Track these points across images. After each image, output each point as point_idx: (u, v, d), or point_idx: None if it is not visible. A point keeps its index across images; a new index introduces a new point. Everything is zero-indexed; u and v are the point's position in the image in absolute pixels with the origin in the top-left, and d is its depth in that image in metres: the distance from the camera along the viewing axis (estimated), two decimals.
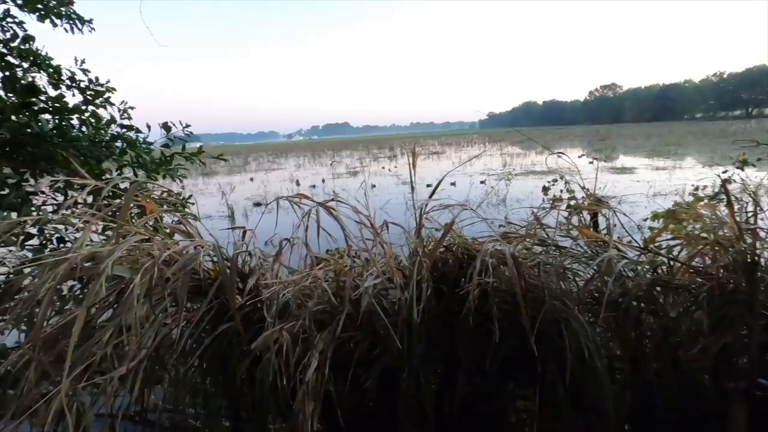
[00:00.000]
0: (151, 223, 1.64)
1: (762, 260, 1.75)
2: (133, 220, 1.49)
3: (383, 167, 22.68)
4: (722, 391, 1.80)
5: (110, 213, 1.47)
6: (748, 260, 1.71)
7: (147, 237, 1.39)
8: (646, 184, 11.27)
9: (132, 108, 3.04)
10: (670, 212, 2.42)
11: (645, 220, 2.91)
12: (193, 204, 2.92)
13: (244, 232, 1.67)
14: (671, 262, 1.84)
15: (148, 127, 2.49)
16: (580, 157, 21.73)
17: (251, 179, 20.87)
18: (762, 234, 1.84)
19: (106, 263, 1.06)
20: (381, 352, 1.70)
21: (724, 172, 2.07)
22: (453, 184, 13.54)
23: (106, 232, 2.15)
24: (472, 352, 1.85)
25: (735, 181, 3.02)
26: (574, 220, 2.06)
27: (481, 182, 13.74)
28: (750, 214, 2.07)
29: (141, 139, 2.58)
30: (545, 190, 4.45)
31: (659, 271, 1.84)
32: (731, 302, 1.70)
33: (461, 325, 1.73)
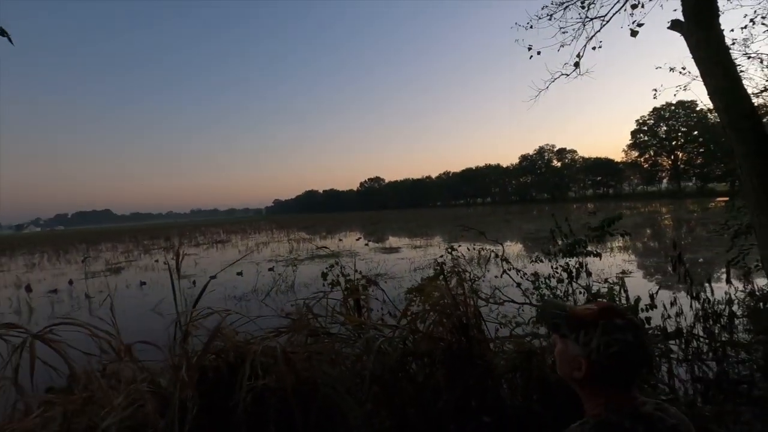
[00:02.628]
0: None
1: (472, 321, 2.34)
2: None
3: (156, 260, 19.85)
4: None
5: None
6: (463, 323, 2.25)
7: None
8: (409, 261, 13.45)
9: None
10: (417, 288, 2.97)
11: (405, 293, 3.48)
12: None
13: None
14: (415, 334, 2.24)
15: None
16: (357, 239, 24.40)
17: None
18: (470, 301, 2.47)
19: None
20: None
21: (441, 256, 2.73)
22: (240, 273, 12.90)
23: None
24: None
25: (460, 256, 4.01)
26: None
27: (270, 269, 13.61)
28: (470, 282, 2.76)
29: None
30: (324, 276, 4.77)
31: (407, 342, 2.21)
32: (457, 359, 2.17)
33: None
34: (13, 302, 11.20)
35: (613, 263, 10.19)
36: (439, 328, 2.35)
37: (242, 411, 1.51)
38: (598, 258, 2.77)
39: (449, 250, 2.82)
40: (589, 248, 2.64)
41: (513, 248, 15.47)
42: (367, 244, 21.08)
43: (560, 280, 2.75)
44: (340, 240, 25.19)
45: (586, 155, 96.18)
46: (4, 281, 16.32)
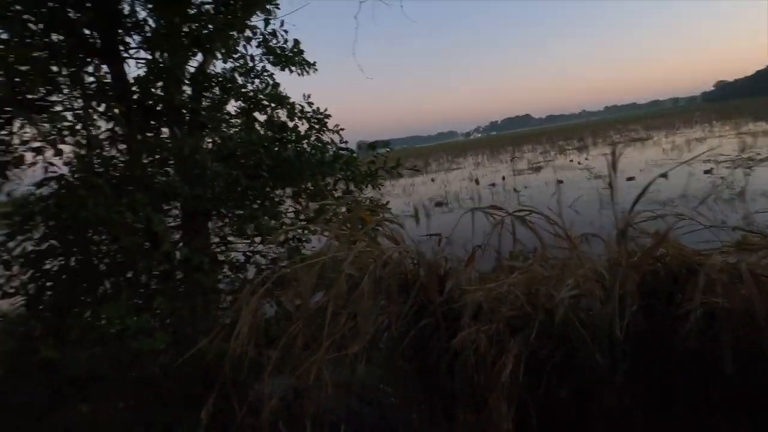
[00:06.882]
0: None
1: None
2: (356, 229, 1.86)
3: (571, 160, 20.67)
4: None
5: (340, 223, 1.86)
6: None
7: (367, 244, 1.73)
8: None
9: (342, 129, 3.70)
10: None
11: None
12: (390, 210, 3.36)
13: (440, 239, 1.86)
14: None
15: (360, 147, 3.02)
16: None
17: (432, 180, 21.93)
18: None
19: (345, 265, 1.38)
20: (577, 364, 1.65)
21: None
22: (664, 175, 11.30)
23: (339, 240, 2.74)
24: (689, 381, 1.60)
25: None
26: None
27: (706, 172, 11.09)
28: None
29: (353, 156, 3.16)
30: None
31: None
32: None
33: (678, 349, 1.53)
34: (468, 190, 15.16)
35: None
36: None
37: (693, 321, 1.40)
38: None
39: None
40: None
41: None
42: None
43: None
44: None
45: None
46: (462, 175, 22.14)
